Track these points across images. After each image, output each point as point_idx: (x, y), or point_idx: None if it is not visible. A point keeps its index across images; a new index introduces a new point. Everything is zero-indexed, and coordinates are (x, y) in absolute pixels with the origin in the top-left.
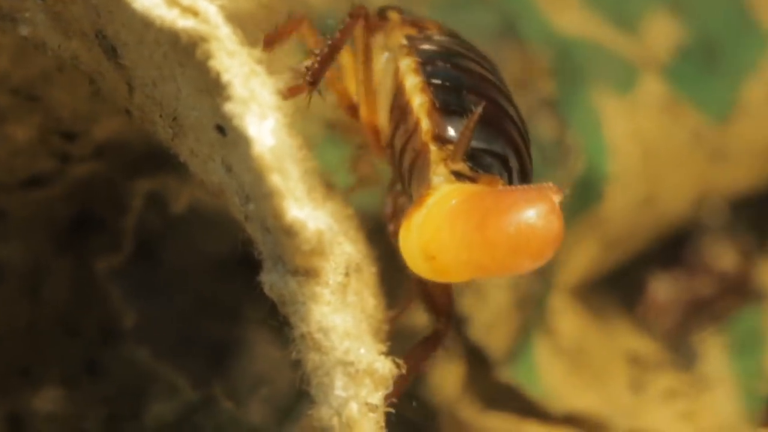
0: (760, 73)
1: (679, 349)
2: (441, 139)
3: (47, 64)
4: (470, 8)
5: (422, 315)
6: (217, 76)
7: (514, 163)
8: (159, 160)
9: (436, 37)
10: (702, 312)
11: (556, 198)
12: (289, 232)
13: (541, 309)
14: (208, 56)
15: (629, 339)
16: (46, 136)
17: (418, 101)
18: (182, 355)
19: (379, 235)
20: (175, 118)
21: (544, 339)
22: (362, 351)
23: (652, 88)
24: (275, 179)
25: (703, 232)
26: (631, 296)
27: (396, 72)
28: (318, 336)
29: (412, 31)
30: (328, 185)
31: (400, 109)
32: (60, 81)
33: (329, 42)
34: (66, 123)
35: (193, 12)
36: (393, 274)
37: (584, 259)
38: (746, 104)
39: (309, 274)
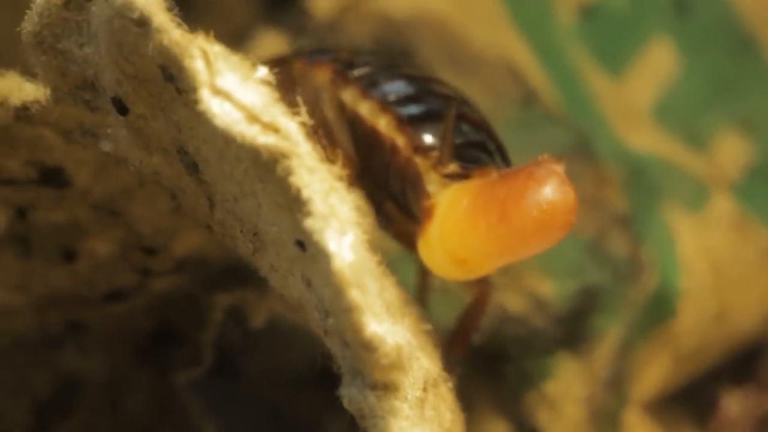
0: None
1: None
2: (422, 149)
3: (129, 180)
4: (544, 127)
5: None
6: (298, 192)
7: (491, 144)
8: (238, 274)
9: (357, 60)
10: None
11: (559, 168)
12: (368, 346)
13: (614, 423)
14: (288, 173)
15: None
16: (127, 250)
17: (383, 122)
18: None
19: None
20: (255, 234)
21: None
22: None
23: (722, 206)
24: (354, 294)
25: None
26: (703, 411)
27: (342, 106)
28: None
29: (329, 68)
30: (406, 300)
31: (365, 137)
32: (141, 196)
33: None
34: (147, 238)
35: (274, 129)
36: None
37: (657, 374)
38: None
39: (388, 388)
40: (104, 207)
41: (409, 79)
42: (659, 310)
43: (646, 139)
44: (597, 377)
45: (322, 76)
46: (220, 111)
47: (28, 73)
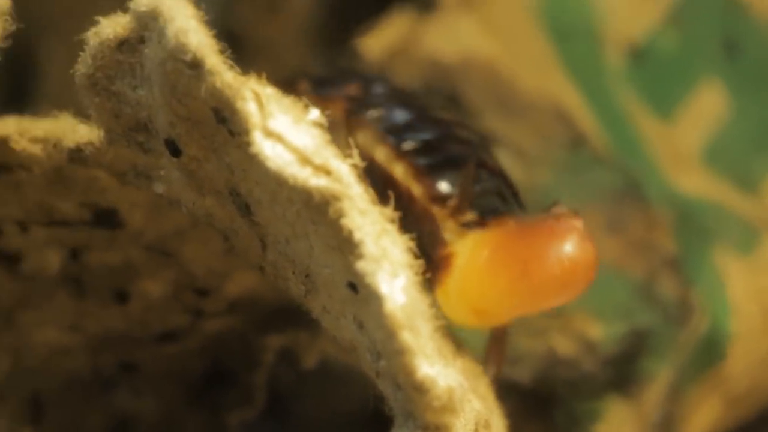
0: None
1: None
2: (439, 198)
3: (181, 221)
4: (594, 169)
5: None
6: (350, 234)
7: (505, 190)
8: (291, 315)
9: (369, 99)
10: None
11: (578, 223)
12: (420, 388)
13: None
14: (340, 215)
15: None
16: (179, 291)
17: (399, 170)
18: None
19: None
20: (307, 275)
21: None
22: None
23: None
24: (406, 336)
25: None
26: None
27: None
28: None
29: (340, 106)
30: (457, 342)
31: (381, 180)
32: (194, 237)
33: None
34: (199, 279)
35: (326, 171)
36: None
37: (707, 418)
38: None
39: (439, 430)
40: (157, 248)
41: (425, 121)
42: (709, 352)
43: (695, 182)
44: (647, 420)
45: (333, 112)
46: (272, 153)
47: (82, 115)
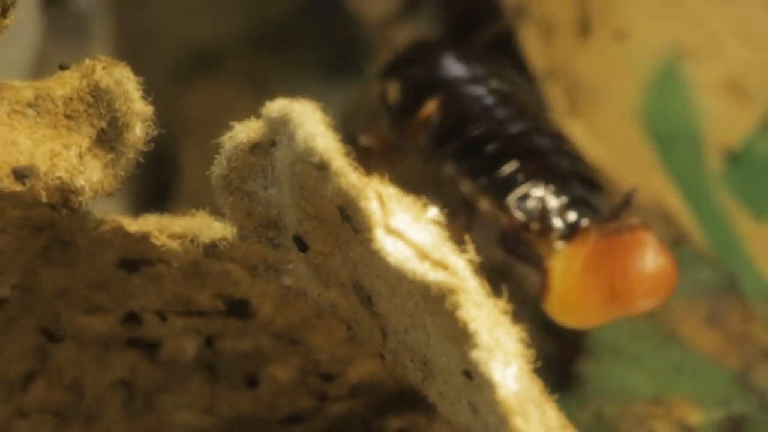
0: None
1: None
2: (524, 225)
3: (308, 311)
4: (695, 266)
5: None
6: (465, 325)
7: (584, 192)
8: (409, 399)
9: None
10: None
11: (651, 236)
12: None
13: None
14: (456, 307)
15: None
16: (305, 376)
17: (484, 204)
18: None
19: None
20: (425, 363)
21: None
22: None
23: None
24: (518, 422)
25: None
26: None
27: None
28: None
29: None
30: (564, 423)
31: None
32: (319, 326)
33: None
34: (324, 365)
35: (443, 266)
36: None
37: None
38: None
39: None
40: (285, 336)
41: (501, 139)
42: None
43: None
44: None
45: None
46: (393, 249)
47: (217, 213)
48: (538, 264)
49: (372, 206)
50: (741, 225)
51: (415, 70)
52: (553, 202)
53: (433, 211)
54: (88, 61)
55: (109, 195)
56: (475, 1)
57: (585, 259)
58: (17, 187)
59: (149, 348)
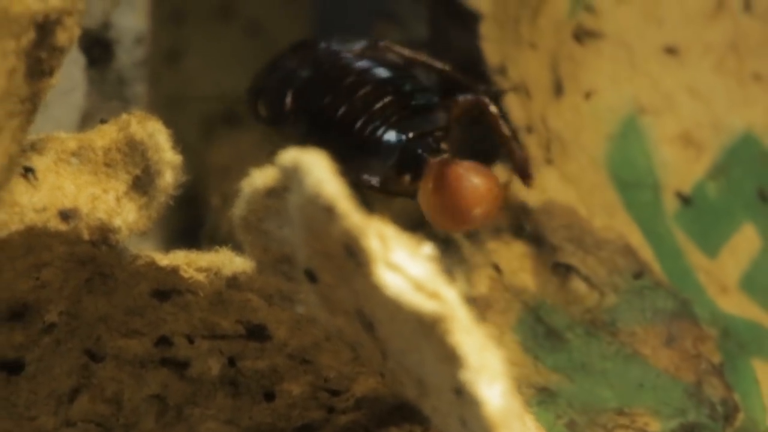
0: None
1: None
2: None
3: (318, 335)
4: (654, 294)
5: None
6: (455, 349)
7: (425, 123)
8: (407, 412)
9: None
10: None
11: (470, 162)
12: None
13: None
14: (447, 333)
15: None
16: (315, 392)
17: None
18: None
19: None
20: (420, 381)
21: None
22: None
23: None
24: None
25: None
26: None
27: None
28: None
29: None
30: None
31: None
32: (328, 348)
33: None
34: (332, 382)
35: (436, 296)
36: None
37: None
38: None
39: None
40: (298, 356)
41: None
42: None
43: (735, 305)
44: None
45: None
46: (392, 282)
47: (238, 249)
48: (413, 196)
49: (373, 244)
50: (694, 259)
51: (272, 79)
52: (410, 150)
53: (428, 248)
54: (124, 116)
55: (143, 233)
56: (463, 61)
57: (432, 190)
58: (63, 227)
59: (179, 367)
